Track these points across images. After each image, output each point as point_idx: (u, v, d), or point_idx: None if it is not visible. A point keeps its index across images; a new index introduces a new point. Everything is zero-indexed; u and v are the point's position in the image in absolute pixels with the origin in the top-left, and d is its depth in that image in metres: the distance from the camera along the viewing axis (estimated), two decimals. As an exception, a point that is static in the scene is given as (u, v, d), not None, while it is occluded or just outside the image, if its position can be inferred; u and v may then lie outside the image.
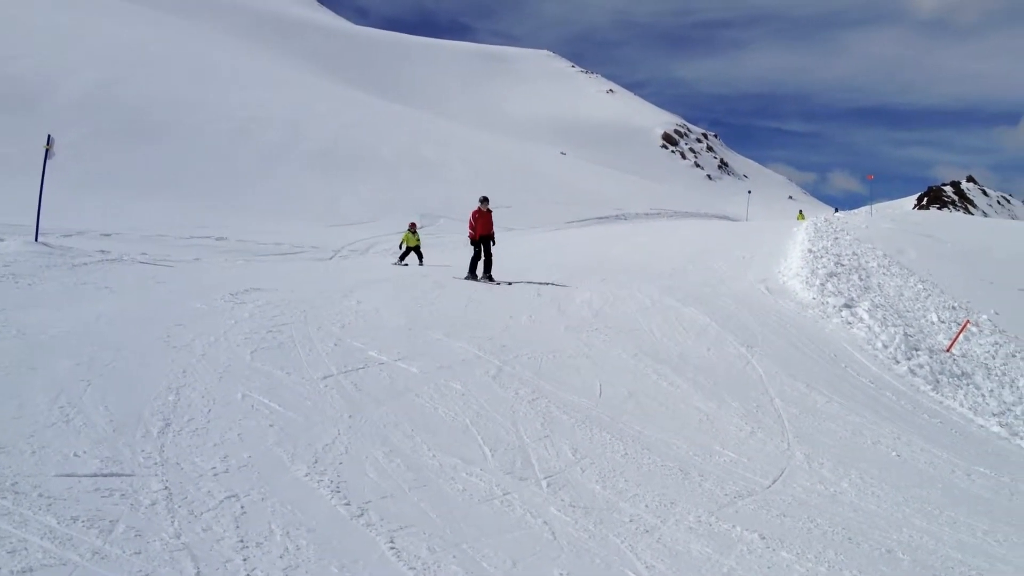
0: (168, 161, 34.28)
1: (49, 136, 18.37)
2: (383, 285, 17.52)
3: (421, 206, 37.63)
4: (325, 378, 9.83)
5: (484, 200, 20.68)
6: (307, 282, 17.10)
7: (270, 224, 28.64)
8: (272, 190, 35.13)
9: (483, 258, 20.08)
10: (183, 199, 30.20)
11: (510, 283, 19.27)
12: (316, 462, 7.17)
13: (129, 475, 6.27)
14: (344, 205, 35.52)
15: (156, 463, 6.58)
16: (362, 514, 6.29)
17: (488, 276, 19.86)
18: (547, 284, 19.27)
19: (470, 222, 20.50)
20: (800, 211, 65.51)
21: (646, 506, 7.48)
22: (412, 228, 25.83)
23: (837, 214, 55.53)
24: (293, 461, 7.12)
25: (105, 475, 6.19)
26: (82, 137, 32.83)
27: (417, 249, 25.41)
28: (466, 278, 19.82)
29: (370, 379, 10.15)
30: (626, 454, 8.98)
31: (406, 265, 24.02)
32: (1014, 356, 19.20)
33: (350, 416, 8.60)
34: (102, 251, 17.13)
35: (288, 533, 5.78)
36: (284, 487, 6.56)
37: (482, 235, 20.20)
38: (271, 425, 7.91)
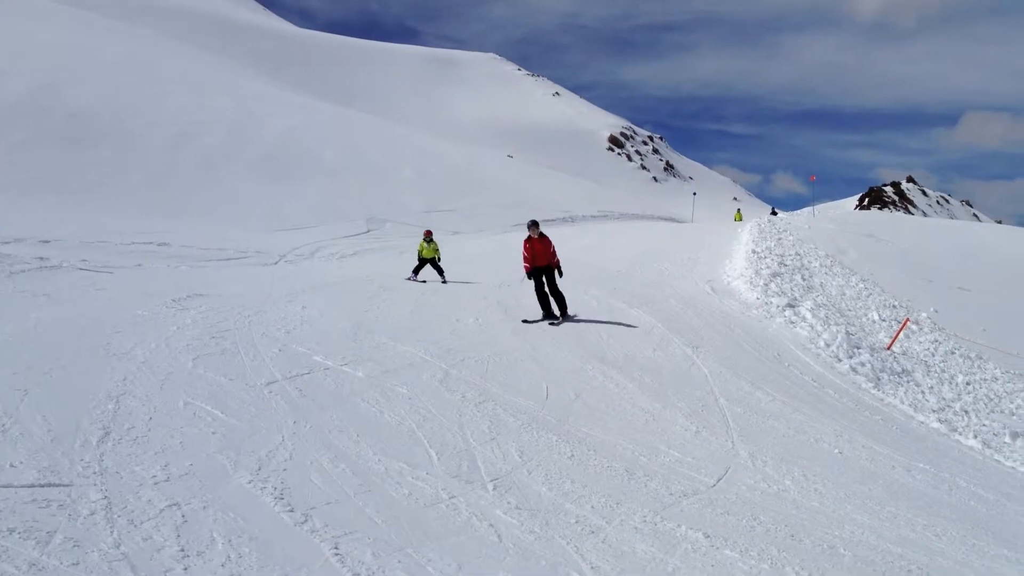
0: (109, 166, 33.70)
1: (-16, 141, 18.03)
2: (329, 290, 17.42)
3: (367, 210, 37.44)
4: (269, 384, 9.75)
5: (533, 225, 16.81)
6: (252, 287, 16.92)
7: (214, 229, 28.30)
8: (215, 195, 34.71)
9: (550, 295, 16.58)
10: (124, 204, 29.74)
11: (558, 320, 16.29)
12: (259, 469, 7.10)
13: (67, 485, 6.16)
14: (289, 209, 35.18)
15: (95, 472, 6.46)
16: (306, 520, 6.24)
17: (564, 314, 16.54)
18: (493, 287, 19.28)
19: (523, 254, 16.64)
20: (738, 210, 65.98)
21: (592, 507, 7.51)
22: (427, 236, 22.63)
23: (775, 215, 56.24)
24: (236, 468, 7.04)
25: (42, 485, 6.08)
26: (19, 142, 32.19)
27: (435, 262, 22.16)
28: (543, 319, 16.26)
29: (315, 384, 10.08)
30: (572, 456, 9.01)
31: (423, 282, 20.99)
32: (953, 353, 19.58)
33: (294, 422, 8.53)
34: (40, 258, 16.80)
35: (230, 541, 5.71)
36: (227, 495, 6.48)
37: (538, 267, 16.54)
38: (214, 432, 7.81)
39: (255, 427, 8.16)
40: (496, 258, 26.83)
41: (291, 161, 42.23)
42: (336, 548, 5.85)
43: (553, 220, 45.19)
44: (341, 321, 14.01)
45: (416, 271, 21.86)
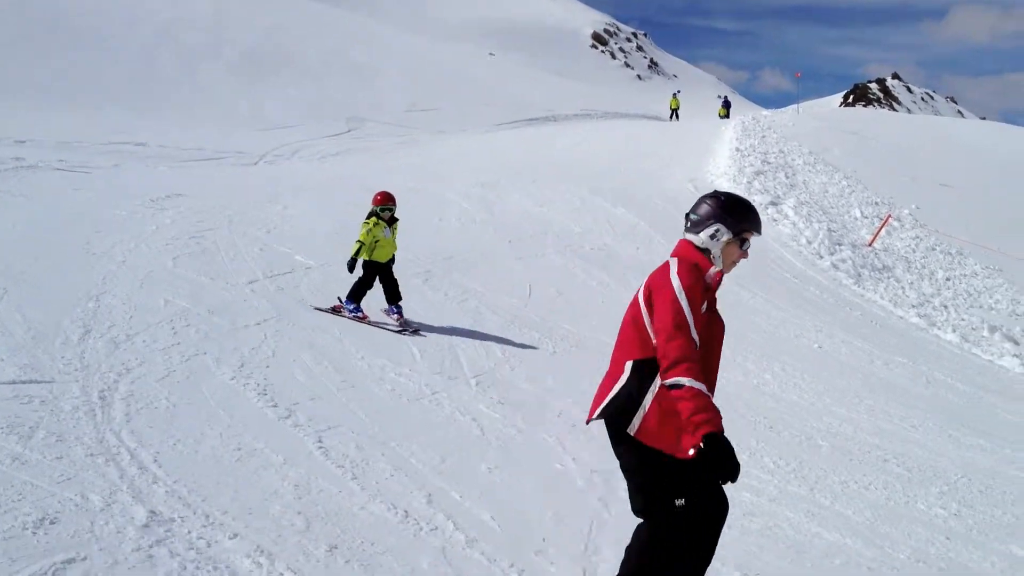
0: (86, 66, 32.96)
1: (-47, 39, 17.58)
2: (310, 191, 17.26)
3: (349, 110, 36.90)
4: (250, 283, 9.73)
5: None
6: (231, 188, 16.73)
7: (192, 129, 27.82)
8: (194, 94, 34.07)
9: None
10: (101, 105, 29.16)
11: None
12: (242, 366, 7.12)
13: (48, 382, 6.16)
14: (269, 109, 34.54)
15: (76, 369, 6.46)
16: (289, 415, 6.27)
17: None
18: (476, 186, 19.11)
19: None
20: (674, 95, 61.34)
21: (573, 401, 7.57)
22: (384, 203, 9.81)
23: (728, 110, 54.21)
24: (219, 365, 7.05)
25: (24, 382, 6.06)
26: (-8, 42, 31.45)
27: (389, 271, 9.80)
28: None
29: (297, 283, 10.07)
30: (555, 352, 9.08)
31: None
32: (933, 249, 19.70)
33: (276, 320, 8.53)
34: (16, 158, 16.52)
35: (219, 435, 5.74)
36: (210, 390, 6.49)
37: None
38: (196, 331, 7.80)
39: (237, 325, 8.16)
40: (479, 158, 26.60)
41: (273, 59, 41.38)
42: (320, 442, 5.89)
43: (536, 119, 44.70)
44: (323, 222, 13.93)
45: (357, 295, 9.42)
